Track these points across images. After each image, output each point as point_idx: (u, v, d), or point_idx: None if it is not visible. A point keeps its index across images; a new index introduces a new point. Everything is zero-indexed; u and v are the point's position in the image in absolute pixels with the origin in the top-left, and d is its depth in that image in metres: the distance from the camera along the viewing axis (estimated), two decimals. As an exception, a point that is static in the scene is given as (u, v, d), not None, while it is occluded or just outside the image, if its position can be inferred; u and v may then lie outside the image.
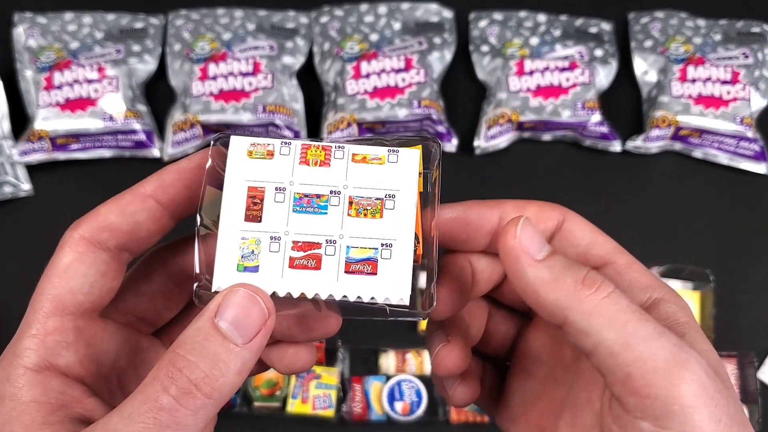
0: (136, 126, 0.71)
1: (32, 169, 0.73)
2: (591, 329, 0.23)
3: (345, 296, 0.25)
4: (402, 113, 0.72)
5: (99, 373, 0.26)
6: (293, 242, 0.26)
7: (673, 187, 0.74)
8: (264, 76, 0.72)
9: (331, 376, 0.67)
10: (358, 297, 0.25)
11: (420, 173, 0.27)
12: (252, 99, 0.71)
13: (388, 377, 0.68)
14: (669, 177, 0.75)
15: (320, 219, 0.26)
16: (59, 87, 0.71)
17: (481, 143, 0.73)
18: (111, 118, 0.71)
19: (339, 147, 0.27)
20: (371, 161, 0.27)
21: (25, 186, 0.72)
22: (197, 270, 0.26)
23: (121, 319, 0.28)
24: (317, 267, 0.25)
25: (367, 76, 0.73)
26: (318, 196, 0.26)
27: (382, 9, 0.77)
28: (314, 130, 0.75)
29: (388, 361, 0.69)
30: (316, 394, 0.67)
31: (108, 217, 0.26)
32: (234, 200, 0.26)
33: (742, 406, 0.24)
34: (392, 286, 0.25)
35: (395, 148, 0.27)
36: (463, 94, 0.77)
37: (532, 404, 0.30)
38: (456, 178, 0.73)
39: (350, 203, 0.26)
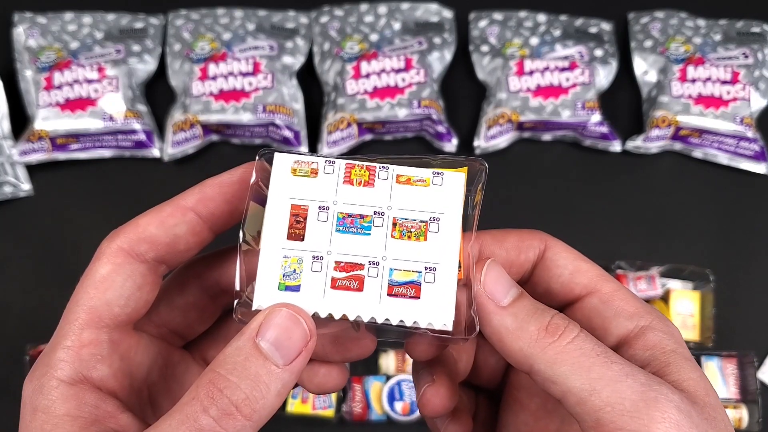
0: (136, 126, 0.71)
1: (32, 169, 0.73)
2: (556, 377, 0.23)
3: (387, 319, 0.25)
4: (402, 113, 0.72)
5: (132, 387, 0.26)
6: (336, 262, 0.25)
7: (673, 187, 0.74)
8: (264, 76, 0.72)
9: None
10: (401, 321, 0.25)
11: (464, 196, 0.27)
12: (252, 99, 0.71)
13: (388, 377, 0.68)
14: (669, 177, 0.75)
15: (363, 240, 0.25)
16: (59, 87, 0.71)
17: (481, 143, 0.73)
18: (111, 118, 0.71)
19: (383, 167, 0.26)
20: (416, 183, 0.26)
21: (25, 186, 0.72)
22: (237, 287, 0.25)
23: (154, 332, 0.28)
24: (359, 288, 0.25)
25: (367, 76, 0.73)
26: (361, 216, 0.26)
27: (382, 9, 0.77)
28: (314, 130, 0.75)
29: (388, 361, 0.69)
30: (316, 394, 0.67)
31: (147, 229, 0.25)
32: (277, 218, 0.25)
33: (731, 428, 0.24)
34: (436, 311, 0.25)
35: (440, 171, 0.26)
36: (463, 94, 0.77)
37: None
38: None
39: (394, 225, 0.26)
